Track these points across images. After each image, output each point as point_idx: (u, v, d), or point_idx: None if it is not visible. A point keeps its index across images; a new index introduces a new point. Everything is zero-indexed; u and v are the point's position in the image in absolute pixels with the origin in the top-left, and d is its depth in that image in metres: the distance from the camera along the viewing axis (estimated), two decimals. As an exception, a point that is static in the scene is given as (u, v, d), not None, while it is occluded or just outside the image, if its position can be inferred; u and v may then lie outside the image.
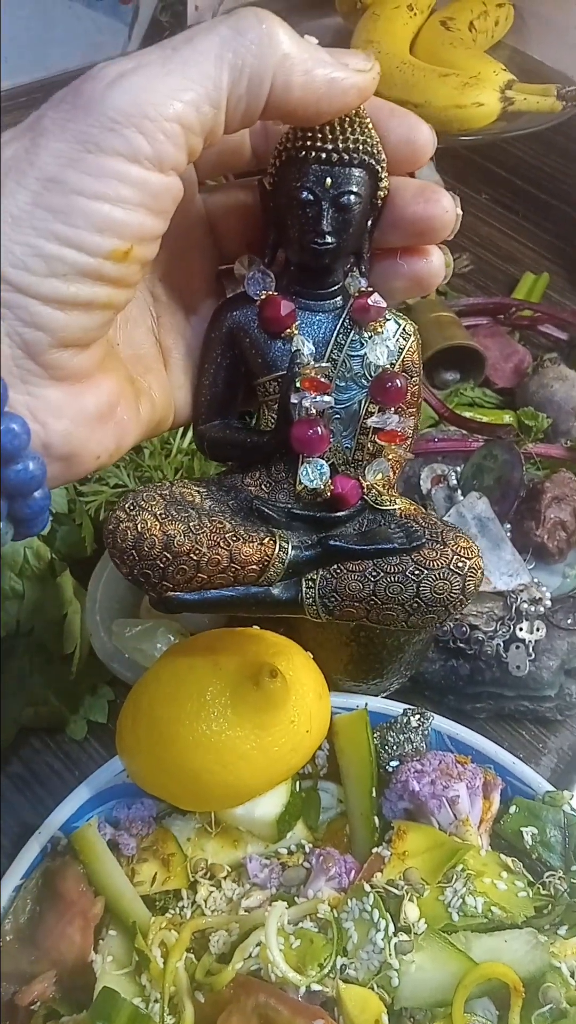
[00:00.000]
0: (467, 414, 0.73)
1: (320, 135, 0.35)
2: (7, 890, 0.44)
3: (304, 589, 0.37)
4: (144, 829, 0.47)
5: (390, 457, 0.39)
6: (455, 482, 0.65)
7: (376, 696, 0.52)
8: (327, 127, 0.35)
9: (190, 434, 0.69)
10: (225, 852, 0.48)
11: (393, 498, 0.39)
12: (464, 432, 0.69)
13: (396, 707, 0.51)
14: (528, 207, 0.99)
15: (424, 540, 0.37)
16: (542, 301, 0.88)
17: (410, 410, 0.39)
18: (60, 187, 0.29)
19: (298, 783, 0.49)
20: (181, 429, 0.69)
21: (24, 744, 0.58)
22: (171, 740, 0.42)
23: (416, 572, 0.36)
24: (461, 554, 0.36)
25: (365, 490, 0.38)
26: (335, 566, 0.37)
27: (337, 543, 0.37)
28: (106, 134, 0.29)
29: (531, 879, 0.46)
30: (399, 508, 0.38)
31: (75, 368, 0.32)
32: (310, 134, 0.35)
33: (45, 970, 0.42)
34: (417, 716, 0.50)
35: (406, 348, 0.38)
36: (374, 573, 0.36)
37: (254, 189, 0.38)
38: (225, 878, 0.47)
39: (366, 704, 0.50)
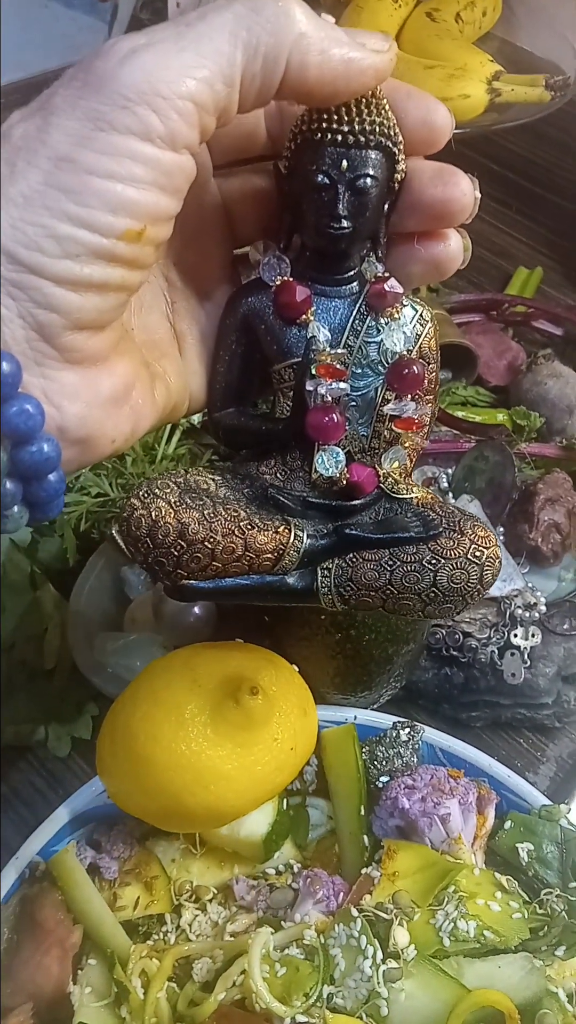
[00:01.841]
0: (460, 414, 0.71)
1: (336, 117, 0.34)
2: (-17, 918, 0.42)
3: (319, 578, 0.37)
4: (126, 851, 0.46)
5: (407, 445, 0.39)
6: (446, 484, 0.63)
7: (367, 708, 0.51)
8: (343, 108, 0.34)
9: (175, 439, 0.68)
10: (211, 873, 0.46)
11: (410, 486, 0.38)
12: (455, 433, 0.68)
13: (386, 720, 0.49)
14: (521, 200, 0.98)
15: (441, 529, 0.36)
16: (536, 296, 0.87)
17: (427, 397, 0.39)
18: (72, 166, 0.29)
19: (285, 800, 0.47)
20: (166, 435, 0.67)
21: (6, 762, 0.56)
22: (149, 761, 0.40)
23: (433, 561, 0.36)
24: (479, 544, 0.36)
25: (381, 478, 0.38)
26: (351, 555, 0.37)
27: (353, 532, 0.37)
28: (118, 112, 0.29)
29: (527, 898, 0.44)
30: (416, 497, 0.38)
31: (90, 351, 0.32)
32: (326, 116, 0.34)
33: (21, 1002, 0.40)
34: (407, 729, 0.48)
35: (423, 334, 0.38)
36: (390, 562, 0.36)
37: (269, 173, 0.37)
38: (211, 901, 0.45)
39: (355, 717, 0.48)
